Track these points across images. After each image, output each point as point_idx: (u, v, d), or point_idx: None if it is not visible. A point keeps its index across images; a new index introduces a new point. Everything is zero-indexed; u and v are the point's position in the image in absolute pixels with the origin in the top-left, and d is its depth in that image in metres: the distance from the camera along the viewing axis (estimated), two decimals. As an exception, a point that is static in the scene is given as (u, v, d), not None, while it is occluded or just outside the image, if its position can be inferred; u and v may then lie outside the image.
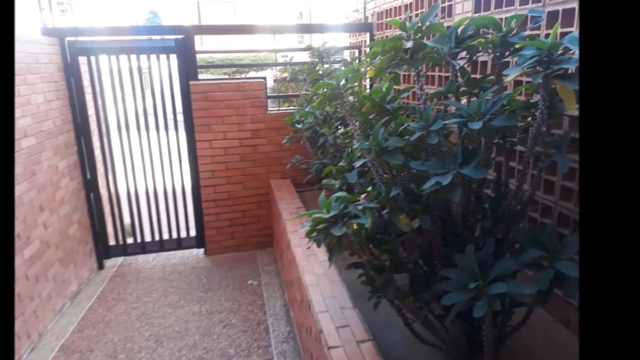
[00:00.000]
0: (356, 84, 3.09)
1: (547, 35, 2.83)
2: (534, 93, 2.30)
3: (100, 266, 6.12)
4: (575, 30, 2.64)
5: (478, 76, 3.14)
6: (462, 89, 2.63)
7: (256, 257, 6.29)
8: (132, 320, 4.87)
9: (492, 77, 2.57)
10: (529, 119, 2.39)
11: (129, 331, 4.67)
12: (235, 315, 4.89)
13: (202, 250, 6.49)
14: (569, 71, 1.97)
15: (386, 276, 2.50)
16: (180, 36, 5.70)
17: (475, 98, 2.54)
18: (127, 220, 6.34)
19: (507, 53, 2.37)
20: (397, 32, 2.49)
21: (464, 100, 2.68)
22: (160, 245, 6.41)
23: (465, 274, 2.00)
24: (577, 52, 1.83)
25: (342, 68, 4.19)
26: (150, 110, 5.94)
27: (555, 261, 1.90)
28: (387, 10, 5.59)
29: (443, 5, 4.17)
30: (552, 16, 2.84)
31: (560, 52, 1.92)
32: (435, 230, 2.49)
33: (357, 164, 2.76)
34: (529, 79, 2.12)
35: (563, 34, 2.66)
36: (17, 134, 4.29)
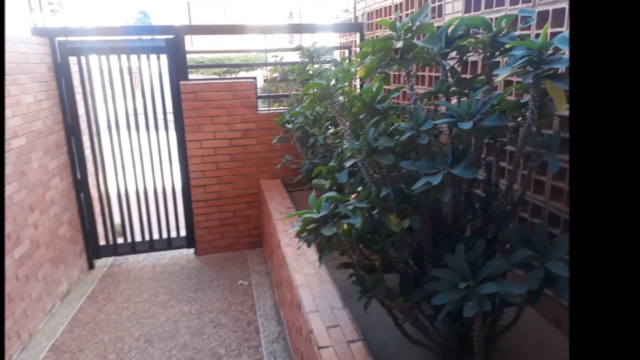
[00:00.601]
0: (346, 84, 3.09)
1: (537, 35, 2.84)
2: (524, 93, 2.30)
3: (91, 266, 6.09)
4: (565, 30, 2.65)
5: (468, 76, 3.14)
6: (453, 89, 2.63)
7: (246, 257, 6.28)
8: (122, 320, 4.86)
9: (483, 77, 2.58)
10: (520, 119, 2.40)
11: (119, 331, 4.65)
12: (225, 315, 4.88)
13: (192, 250, 6.48)
14: (559, 71, 1.98)
15: (376, 276, 2.50)
16: (170, 36, 5.69)
17: (465, 98, 2.54)
18: (117, 220, 6.32)
19: (498, 53, 2.38)
20: (388, 32, 2.49)
21: (454, 100, 2.69)
22: (151, 245, 6.40)
23: (456, 274, 2.01)
24: (567, 52, 1.84)
25: (333, 68, 4.18)
26: (140, 110, 5.92)
27: (545, 261, 1.91)
28: (377, 10, 5.59)
29: (433, 5, 4.18)
30: (543, 16, 2.85)
31: (550, 52, 1.92)
32: (426, 230, 2.49)
33: (348, 164, 2.76)
34: (519, 79, 2.14)
35: (553, 34, 2.67)
36: (8, 134, 4.26)
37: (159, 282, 5.67)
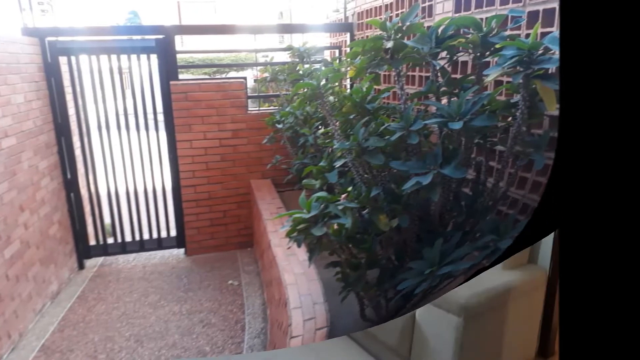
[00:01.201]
0: (336, 84, 3.10)
1: (527, 35, 2.85)
2: (514, 93, 2.31)
3: (81, 266, 6.05)
4: (555, 30, 2.66)
5: (458, 76, 3.15)
6: (443, 89, 2.64)
7: (237, 257, 6.26)
8: (112, 320, 4.83)
9: (473, 77, 2.59)
10: (510, 119, 2.41)
11: (109, 331, 4.63)
12: (215, 315, 4.87)
13: (182, 250, 6.45)
14: (550, 71, 1.99)
15: (360, 272, 2.52)
16: (160, 36, 5.67)
17: (455, 98, 2.55)
18: (107, 220, 6.28)
19: (488, 53, 2.39)
20: (378, 32, 2.50)
21: (444, 101, 2.69)
22: (141, 245, 6.36)
23: (427, 263, 2.05)
24: (557, 52, 1.84)
25: (323, 68, 4.20)
26: (130, 110, 5.90)
27: (499, 241, 1.95)
28: (367, 10, 5.60)
29: (423, 5, 4.18)
30: (533, 16, 2.86)
31: (540, 52, 1.93)
32: (413, 229, 2.51)
33: (338, 164, 2.77)
34: (510, 79, 2.14)
35: (543, 34, 2.68)
36: (-2, 134, 4.25)
37: (149, 282, 5.65)
